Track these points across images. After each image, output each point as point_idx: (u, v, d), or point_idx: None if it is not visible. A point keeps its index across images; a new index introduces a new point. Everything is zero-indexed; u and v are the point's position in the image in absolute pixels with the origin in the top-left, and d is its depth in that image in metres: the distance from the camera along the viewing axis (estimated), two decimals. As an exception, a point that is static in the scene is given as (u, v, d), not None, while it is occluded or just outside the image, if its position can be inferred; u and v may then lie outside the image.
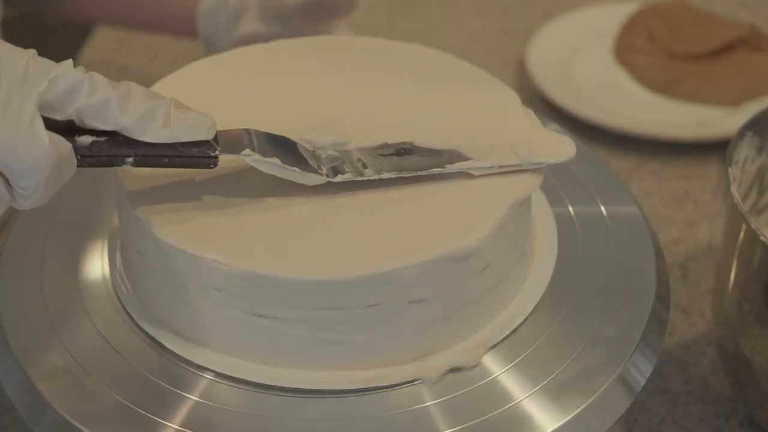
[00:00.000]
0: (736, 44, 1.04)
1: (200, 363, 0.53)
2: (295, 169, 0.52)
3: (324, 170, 0.53)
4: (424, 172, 0.54)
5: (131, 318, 0.55)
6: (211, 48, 0.81)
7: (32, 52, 0.49)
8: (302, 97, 0.60)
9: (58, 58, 0.82)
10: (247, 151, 0.52)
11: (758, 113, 0.69)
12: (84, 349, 0.54)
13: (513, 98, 0.61)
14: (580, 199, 0.63)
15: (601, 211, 0.62)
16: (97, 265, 0.58)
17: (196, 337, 0.53)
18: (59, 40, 1.03)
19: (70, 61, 0.49)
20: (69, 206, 0.61)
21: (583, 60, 1.06)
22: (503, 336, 0.54)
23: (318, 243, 0.51)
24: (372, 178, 0.53)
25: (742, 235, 0.63)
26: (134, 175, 0.54)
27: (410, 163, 0.55)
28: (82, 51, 1.07)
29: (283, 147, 0.53)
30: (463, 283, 0.52)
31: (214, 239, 0.51)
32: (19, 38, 0.86)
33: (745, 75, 1.01)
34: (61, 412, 0.51)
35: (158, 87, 0.60)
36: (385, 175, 0.54)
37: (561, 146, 0.56)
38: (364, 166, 0.54)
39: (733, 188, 0.63)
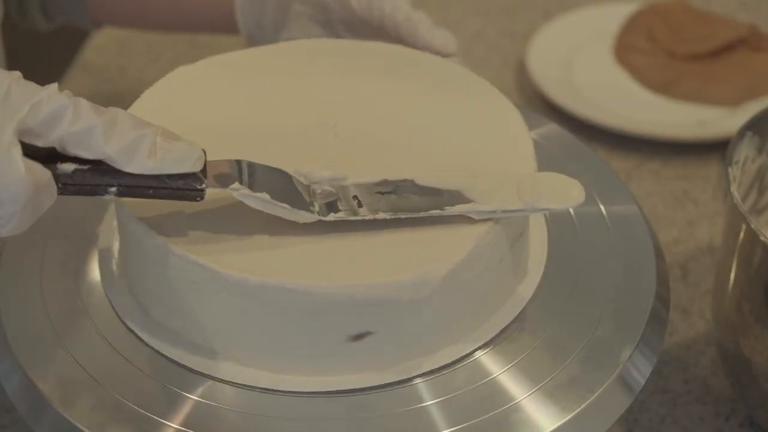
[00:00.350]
0: (736, 44, 1.04)
1: (200, 370, 0.53)
2: (286, 205, 0.51)
3: (317, 207, 0.52)
4: (422, 214, 0.52)
5: (128, 325, 0.55)
6: (257, 45, 0.76)
7: (17, 74, 0.47)
8: (299, 102, 0.60)
9: (58, 58, 0.82)
10: (236, 185, 0.50)
11: (758, 113, 0.69)
12: (84, 349, 0.54)
13: (515, 113, 0.60)
14: (580, 199, 0.63)
15: (601, 211, 0.62)
16: (96, 266, 0.58)
17: (193, 339, 0.53)
18: (59, 42, 1.04)
19: (55, 85, 0.47)
20: (68, 208, 0.61)
21: (583, 60, 1.06)
22: (500, 330, 0.55)
23: (318, 254, 0.51)
24: (366, 218, 0.52)
25: (742, 235, 0.63)
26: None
27: (408, 204, 0.53)
28: (82, 52, 1.07)
29: (276, 180, 0.52)
30: (460, 287, 0.52)
31: (215, 246, 0.51)
32: (20, 39, 0.86)
33: (745, 75, 1.01)
34: (61, 412, 0.51)
35: (152, 90, 0.60)
36: (381, 216, 0.52)
37: (569, 190, 0.54)
38: (360, 204, 0.52)
39: (733, 188, 0.63)
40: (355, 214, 0.52)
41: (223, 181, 0.50)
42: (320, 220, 0.52)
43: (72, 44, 1.08)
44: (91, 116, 0.47)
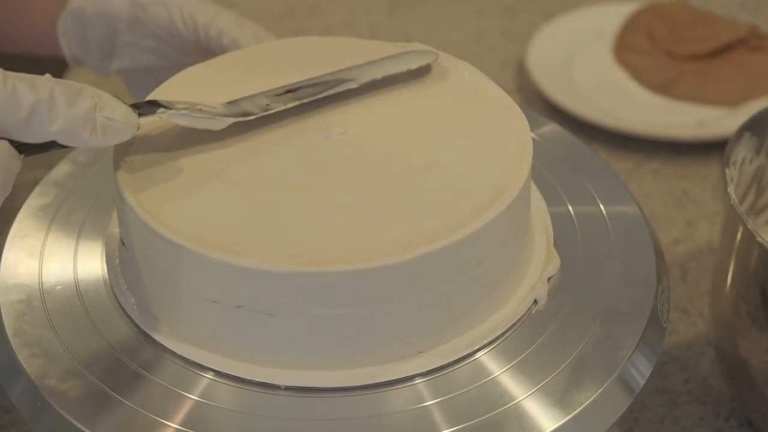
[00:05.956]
0: (736, 44, 1.04)
1: (201, 362, 0.53)
2: (203, 115, 0.55)
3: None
4: (318, 96, 0.59)
5: (131, 319, 0.55)
6: (87, 66, 0.78)
7: None
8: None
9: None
10: (162, 109, 0.54)
11: (756, 114, 0.69)
12: (84, 349, 0.54)
13: (514, 107, 0.60)
14: (580, 199, 0.63)
15: (601, 211, 0.62)
16: (96, 265, 0.58)
17: (195, 337, 0.54)
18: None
19: None
20: (68, 206, 0.62)
21: (583, 60, 1.06)
22: (502, 331, 0.55)
23: (318, 237, 0.52)
24: (279, 109, 0.58)
25: (739, 236, 0.63)
26: (134, 178, 0.54)
27: (305, 94, 0.59)
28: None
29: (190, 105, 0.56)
30: (462, 279, 0.53)
31: (216, 235, 0.51)
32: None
33: (745, 75, 1.01)
34: (62, 412, 0.51)
35: (162, 89, 0.61)
36: (289, 105, 0.58)
37: (424, 55, 0.62)
38: (269, 107, 0.58)
39: (731, 189, 0.63)
40: (266, 110, 0.58)
41: (150, 110, 0.54)
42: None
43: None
44: (29, 96, 0.49)
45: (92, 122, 0.50)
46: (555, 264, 0.59)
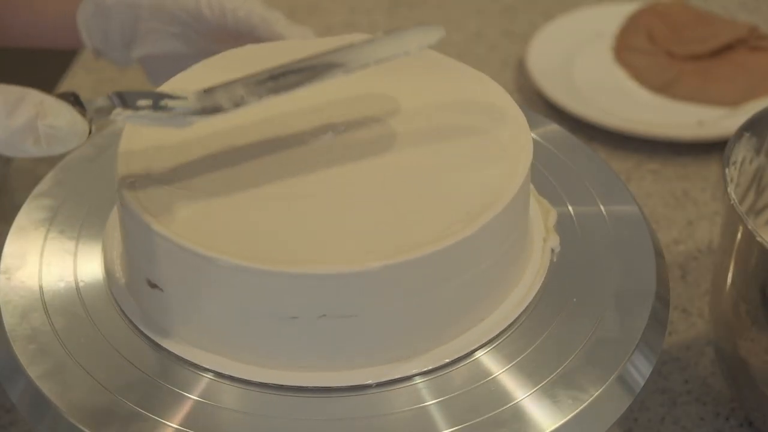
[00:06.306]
0: (736, 44, 1.04)
1: (200, 364, 0.53)
2: (163, 115, 0.51)
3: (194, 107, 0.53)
4: (301, 87, 0.54)
5: (130, 319, 0.55)
6: (107, 57, 0.77)
7: None
8: (295, 101, 0.60)
9: (59, 57, 0.81)
10: (117, 110, 0.50)
11: (756, 114, 0.69)
12: (84, 349, 0.54)
13: (510, 103, 0.60)
14: (580, 199, 0.63)
15: (601, 211, 0.62)
16: (97, 265, 0.58)
17: (195, 338, 0.54)
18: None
19: None
20: (68, 206, 0.62)
21: (583, 60, 1.06)
22: (501, 330, 0.55)
23: (319, 238, 0.52)
24: (251, 104, 0.53)
25: (739, 236, 0.63)
26: (136, 179, 0.54)
27: (287, 83, 0.54)
28: (83, 51, 1.06)
29: (156, 97, 0.53)
30: (461, 279, 0.53)
31: (220, 237, 0.51)
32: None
33: (745, 75, 1.01)
34: (62, 412, 0.51)
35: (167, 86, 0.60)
36: (264, 99, 0.53)
37: (428, 32, 0.57)
38: (242, 99, 0.54)
39: (730, 189, 0.63)
40: (239, 105, 0.53)
41: (104, 113, 0.50)
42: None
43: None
44: None
45: (35, 132, 0.47)
46: (553, 213, 0.60)
